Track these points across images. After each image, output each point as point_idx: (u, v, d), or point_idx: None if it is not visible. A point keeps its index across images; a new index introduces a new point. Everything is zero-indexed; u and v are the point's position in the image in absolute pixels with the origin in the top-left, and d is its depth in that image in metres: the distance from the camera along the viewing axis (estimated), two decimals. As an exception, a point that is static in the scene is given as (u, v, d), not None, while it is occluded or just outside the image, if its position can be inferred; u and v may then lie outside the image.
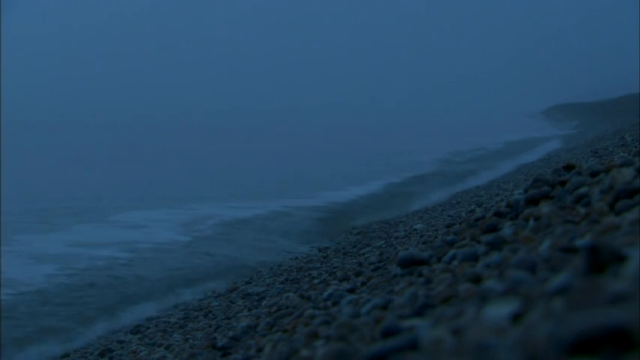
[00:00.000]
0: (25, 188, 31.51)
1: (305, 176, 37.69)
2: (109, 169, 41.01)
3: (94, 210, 25.90)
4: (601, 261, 2.62)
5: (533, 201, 5.65)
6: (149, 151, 54.74)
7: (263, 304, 10.77)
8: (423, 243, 9.59)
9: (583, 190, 5.18)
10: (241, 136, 76.69)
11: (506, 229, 5.12)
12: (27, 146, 58.68)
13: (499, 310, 2.51)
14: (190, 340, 9.79)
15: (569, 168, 6.36)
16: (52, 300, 14.88)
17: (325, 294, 7.14)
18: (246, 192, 31.38)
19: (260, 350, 5.79)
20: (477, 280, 3.96)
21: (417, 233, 13.72)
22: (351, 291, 6.94)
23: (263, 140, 70.80)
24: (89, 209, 26.03)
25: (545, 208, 5.06)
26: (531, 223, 5.00)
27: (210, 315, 11.75)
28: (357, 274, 8.75)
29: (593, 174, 5.62)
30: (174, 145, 61.38)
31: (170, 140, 68.09)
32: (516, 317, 2.45)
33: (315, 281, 10.69)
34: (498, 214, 5.90)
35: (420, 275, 5.23)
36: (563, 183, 5.74)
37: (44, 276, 16.46)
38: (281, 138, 75.48)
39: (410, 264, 5.62)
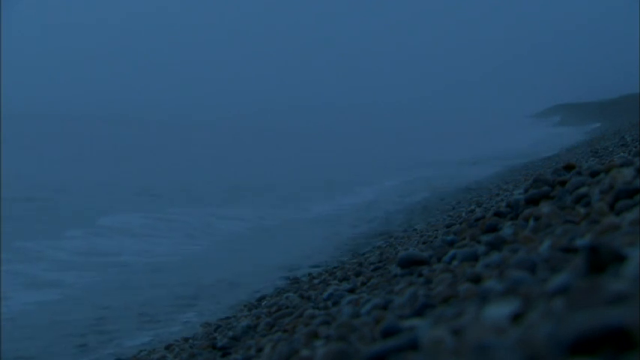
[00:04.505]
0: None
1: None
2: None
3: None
4: (601, 261, 2.62)
5: (533, 201, 5.65)
6: (178, 155, 54.55)
7: (263, 304, 10.75)
8: (423, 243, 9.58)
9: (583, 190, 5.18)
10: (280, 136, 76.87)
11: (506, 229, 5.12)
12: (30, 147, 58.74)
13: (499, 310, 2.51)
14: (191, 341, 9.79)
15: (569, 168, 6.36)
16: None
17: (325, 294, 7.14)
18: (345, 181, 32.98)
19: (260, 350, 5.79)
20: (476, 280, 3.96)
21: (417, 233, 13.70)
22: (351, 291, 6.94)
23: (289, 139, 71.19)
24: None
25: (545, 208, 5.05)
26: (531, 223, 4.99)
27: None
28: (357, 274, 8.74)
29: (593, 174, 5.62)
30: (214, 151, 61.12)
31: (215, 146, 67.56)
32: (516, 317, 2.45)
33: (315, 281, 10.67)
34: (498, 214, 5.90)
35: (420, 275, 5.22)
36: (563, 183, 5.74)
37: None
38: (291, 137, 75.91)
39: (410, 264, 5.62)
